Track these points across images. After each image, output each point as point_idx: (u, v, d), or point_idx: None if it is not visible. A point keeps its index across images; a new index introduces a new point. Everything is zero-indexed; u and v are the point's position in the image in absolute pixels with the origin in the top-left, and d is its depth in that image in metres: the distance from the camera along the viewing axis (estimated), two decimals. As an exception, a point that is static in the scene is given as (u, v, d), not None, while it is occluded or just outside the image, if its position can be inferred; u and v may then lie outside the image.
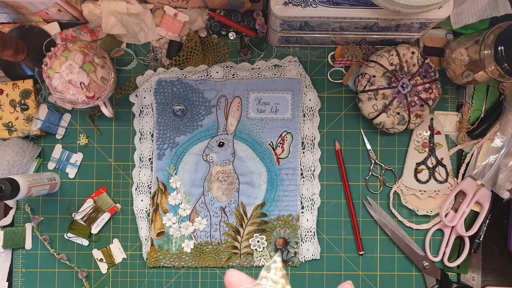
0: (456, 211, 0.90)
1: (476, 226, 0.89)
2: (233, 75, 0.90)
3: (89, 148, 0.92)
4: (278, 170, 0.90)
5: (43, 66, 0.81)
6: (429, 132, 0.90)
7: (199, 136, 0.90)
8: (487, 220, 0.90)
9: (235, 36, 0.91)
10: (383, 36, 0.85)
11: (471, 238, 0.90)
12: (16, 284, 0.90)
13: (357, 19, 0.75)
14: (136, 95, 0.90)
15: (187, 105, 0.90)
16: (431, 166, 0.90)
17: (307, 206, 0.90)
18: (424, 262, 0.90)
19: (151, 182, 0.90)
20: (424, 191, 0.90)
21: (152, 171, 0.90)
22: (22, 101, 0.89)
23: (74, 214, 0.91)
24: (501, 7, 0.82)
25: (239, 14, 0.91)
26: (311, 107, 0.90)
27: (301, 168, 0.90)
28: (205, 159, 0.90)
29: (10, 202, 0.91)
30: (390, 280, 0.91)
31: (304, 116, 0.90)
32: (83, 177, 0.91)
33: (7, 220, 0.91)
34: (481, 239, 0.90)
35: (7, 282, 0.91)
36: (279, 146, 0.90)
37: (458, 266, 0.91)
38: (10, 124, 0.89)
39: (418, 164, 0.90)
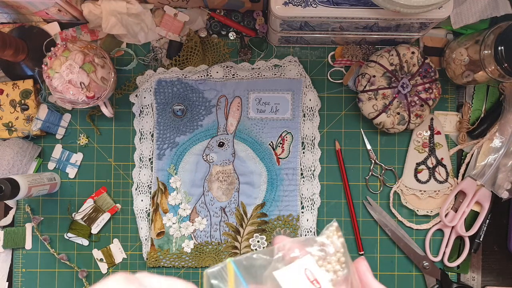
0: (456, 211, 0.90)
1: (476, 226, 0.89)
2: (233, 75, 0.90)
3: (89, 148, 0.92)
4: (278, 170, 0.90)
5: (43, 66, 0.81)
6: (429, 132, 0.90)
7: (199, 136, 0.90)
8: (487, 220, 0.90)
9: (235, 36, 0.91)
10: (383, 36, 0.85)
11: (471, 238, 0.90)
12: (16, 284, 0.90)
13: (357, 19, 0.75)
14: (136, 95, 0.90)
15: (187, 105, 0.90)
16: (431, 166, 0.90)
17: (307, 206, 0.90)
18: (424, 262, 0.90)
19: (151, 182, 0.90)
20: (424, 191, 0.90)
21: (152, 171, 0.90)
22: (22, 101, 0.89)
23: (74, 214, 0.91)
24: (501, 7, 0.82)
25: (239, 14, 0.91)
26: (311, 107, 0.90)
27: (301, 168, 0.90)
28: (205, 159, 0.90)
29: (10, 202, 0.91)
30: (390, 280, 0.91)
31: (304, 116, 0.90)
32: (83, 177, 0.91)
33: (7, 220, 0.91)
34: (481, 239, 0.90)
35: (7, 282, 0.91)
36: (279, 146, 0.90)
37: (458, 266, 0.91)
38: (10, 124, 0.89)
39: (418, 164, 0.90)
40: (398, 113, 0.85)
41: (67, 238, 0.91)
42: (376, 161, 0.91)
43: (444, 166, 0.90)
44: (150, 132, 0.90)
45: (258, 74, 0.90)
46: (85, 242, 0.91)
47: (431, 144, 0.90)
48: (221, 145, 0.90)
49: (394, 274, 0.91)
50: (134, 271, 0.91)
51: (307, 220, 0.90)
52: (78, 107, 0.88)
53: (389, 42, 0.88)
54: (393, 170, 0.91)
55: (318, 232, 0.90)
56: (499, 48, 0.76)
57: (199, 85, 0.90)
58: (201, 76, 0.90)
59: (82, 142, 0.91)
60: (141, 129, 0.91)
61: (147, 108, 0.90)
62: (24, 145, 0.89)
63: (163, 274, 0.90)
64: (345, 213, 0.91)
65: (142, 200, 0.90)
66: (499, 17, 0.83)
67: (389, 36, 0.85)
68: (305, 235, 0.90)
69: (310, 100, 0.90)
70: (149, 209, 0.90)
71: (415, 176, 0.90)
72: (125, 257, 0.91)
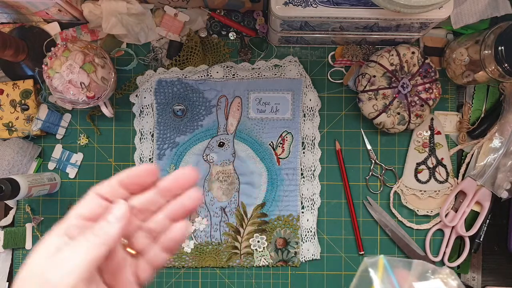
0: (456, 211, 0.90)
1: (476, 226, 0.89)
2: (233, 75, 0.90)
3: (89, 148, 0.92)
4: (278, 170, 0.90)
5: (43, 66, 0.81)
6: (429, 132, 0.90)
7: (199, 136, 0.90)
8: (487, 220, 0.90)
9: (235, 36, 0.91)
10: (383, 36, 0.85)
11: (471, 238, 0.90)
12: (16, 284, 0.90)
13: (357, 19, 0.75)
14: (136, 95, 0.90)
15: (187, 105, 0.90)
16: (431, 166, 0.90)
17: (307, 206, 0.90)
18: (424, 262, 0.90)
19: (151, 182, 0.90)
20: (424, 191, 0.90)
21: (152, 171, 0.90)
22: (23, 101, 0.89)
23: (74, 214, 0.90)
24: (502, 7, 0.82)
25: (239, 14, 0.91)
26: (311, 107, 0.90)
27: (301, 168, 0.90)
28: (206, 159, 0.90)
29: (11, 202, 0.91)
30: (390, 280, 0.90)
31: (304, 116, 0.90)
32: (83, 177, 0.91)
33: (8, 220, 0.91)
34: (481, 239, 0.90)
35: (8, 282, 0.91)
36: (279, 146, 0.90)
37: (458, 266, 0.91)
38: (10, 124, 0.89)
39: (418, 164, 0.90)
40: (398, 113, 0.85)
41: (67, 238, 0.90)
42: (376, 161, 0.91)
43: (444, 166, 0.90)
44: (150, 132, 0.90)
45: (258, 74, 0.90)
46: (85, 242, 0.90)
47: (431, 144, 0.90)
48: (221, 145, 0.90)
49: (394, 274, 0.91)
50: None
51: (307, 220, 0.90)
52: (78, 107, 0.88)
53: (389, 42, 0.88)
54: (393, 170, 0.91)
55: (318, 232, 0.90)
56: (499, 48, 0.76)
57: (199, 85, 0.90)
58: (201, 76, 0.90)
59: (82, 142, 0.91)
60: (141, 129, 0.91)
61: (147, 108, 0.90)
62: (24, 145, 0.89)
63: (163, 274, 0.90)
64: (345, 213, 0.91)
65: (142, 200, 0.90)
66: (499, 17, 0.83)
67: (389, 36, 0.85)
68: (305, 235, 0.90)
69: (310, 100, 0.90)
70: (149, 209, 0.90)
71: (415, 176, 0.90)
72: (125, 257, 0.91)
